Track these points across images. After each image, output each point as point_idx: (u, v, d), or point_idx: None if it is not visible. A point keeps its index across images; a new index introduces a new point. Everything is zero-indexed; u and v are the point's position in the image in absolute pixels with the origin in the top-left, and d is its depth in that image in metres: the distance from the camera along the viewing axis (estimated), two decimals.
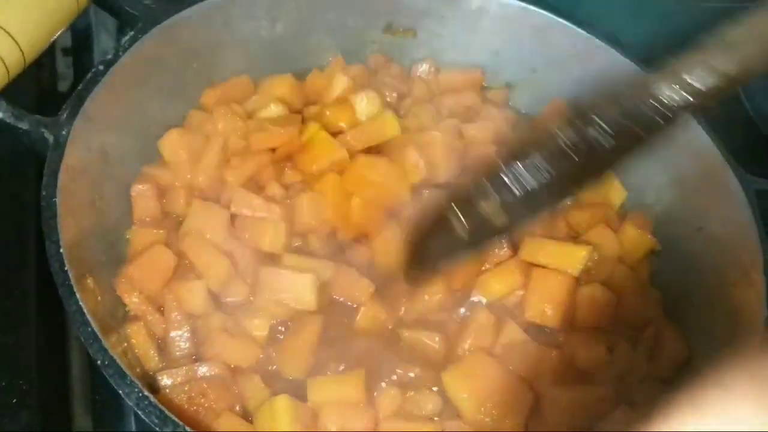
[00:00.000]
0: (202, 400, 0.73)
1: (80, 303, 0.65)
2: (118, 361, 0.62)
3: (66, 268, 0.67)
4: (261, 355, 0.78)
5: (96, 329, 0.64)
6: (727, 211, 0.86)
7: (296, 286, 0.79)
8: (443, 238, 0.68)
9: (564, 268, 0.84)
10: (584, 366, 0.80)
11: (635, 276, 0.89)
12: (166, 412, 0.60)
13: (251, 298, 0.82)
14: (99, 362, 0.62)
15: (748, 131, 1.01)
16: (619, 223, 0.94)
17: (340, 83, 0.97)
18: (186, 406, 0.72)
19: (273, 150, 0.91)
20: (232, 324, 0.79)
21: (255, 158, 0.90)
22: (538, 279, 0.84)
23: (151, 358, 0.77)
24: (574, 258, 0.84)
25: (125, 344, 0.77)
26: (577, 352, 0.80)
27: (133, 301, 0.79)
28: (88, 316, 0.64)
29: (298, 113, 0.97)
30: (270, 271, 0.81)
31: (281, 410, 0.71)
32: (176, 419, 0.60)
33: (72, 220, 0.73)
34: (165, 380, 0.74)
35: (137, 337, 0.77)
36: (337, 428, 0.72)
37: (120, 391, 0.61)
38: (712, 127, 0.90)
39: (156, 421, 0.60)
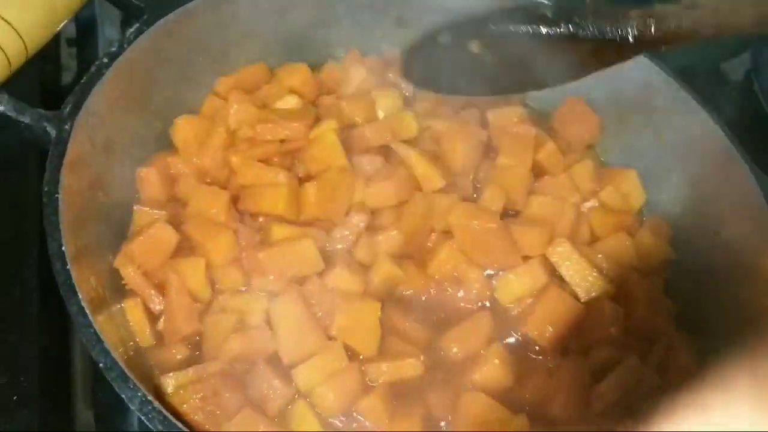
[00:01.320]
0: (217, 399, 0.70)
1: (82, 303, 0.63)
2: (121, 363, 0.61)
3: (68, 267, 0.65)
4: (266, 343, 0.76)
5: (98, 331, 0.62)
6: (745, 213, 0.85)
7: (301, 252, 0.79)
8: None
9: (577, 290, 0.83)
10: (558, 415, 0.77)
11: (649, 285, 0.87)
12: (169, 416, 0.59)
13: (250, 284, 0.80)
14: (101, 365, 0.61)
15: (765, 133, 0.99)
16: (638, 228, 0.92)
17: (357, 75, 0.95)
18: (200, 406, 0.69)
19: (282, 141, 0.89)
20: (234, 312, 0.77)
21: (263, 146, 0.88)
22: (551, 297, 0.81)
23: (145, 336, 0.76)
24: (590, 285, 0.83)
25: (119, 318, 0.76)
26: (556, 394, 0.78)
27: (130, 274, 0.77)
28: (90, 317, 0.63)
29: (313, 104, 0.95)
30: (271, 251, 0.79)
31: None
32: (178, 423, 0.59)
33: (75, 216, 0.71)
34: (171, 382, 0.72)
35: (133, 312, 0.76)
36: (335, 402, 0.71)
37: (123, 395, 0.60)
38: (730, 128, 0.89)
39: (159, 426, 0.58)
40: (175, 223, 0.82)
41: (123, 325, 0.76)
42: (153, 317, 0.78)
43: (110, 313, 0.73)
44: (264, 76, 0.98)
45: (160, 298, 0.78)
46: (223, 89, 0.95)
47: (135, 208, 0.83)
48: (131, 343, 0.76)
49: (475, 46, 0.78)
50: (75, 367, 0.86)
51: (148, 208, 0.83)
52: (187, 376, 0.72)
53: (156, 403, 0.59)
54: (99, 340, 0.62)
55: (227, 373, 0.73)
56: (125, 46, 0.82)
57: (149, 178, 0.85)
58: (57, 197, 0.69)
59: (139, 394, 0.60)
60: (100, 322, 0.64)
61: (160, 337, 0.77)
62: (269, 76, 0.98)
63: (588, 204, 0.92)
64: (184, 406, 0.69)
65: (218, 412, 0.70)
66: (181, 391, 0.70)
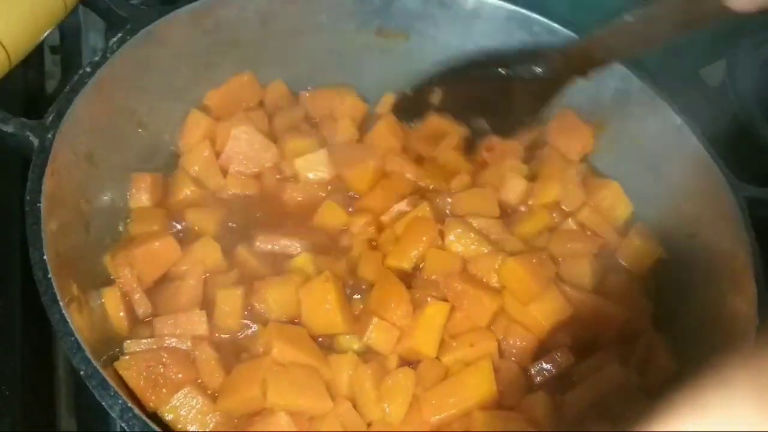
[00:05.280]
0: (164, 371, 0.72)
1: (63, 312, 0.64)
2: (101, 371, 0.61)
3: (49, 276, 0.65)
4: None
5: (79, 339, 0.63)
6: (719, 218, 0.86)
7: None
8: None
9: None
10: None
11: (635, 287, 0.89)
12: (150, 423, 0.60)
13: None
14: (82, 373, 0.61)
15: (740, 138, 1.01)
16: (622, 239, 0.94)
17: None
18: (145, 375, 0.72)
19: None
20: None
21: None
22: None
23: (123, 327, 0.78)
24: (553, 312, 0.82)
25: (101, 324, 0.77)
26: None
27: (126, 276, 0.80)
28: (72, 326, 0.63)
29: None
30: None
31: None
32: (157, 429, 0.60)
33: (57, 225, 0.72)
34: (131, 347, 0.75)
35: (112, 303, 0.78)
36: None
37: (103, 403, 0.60)
38: (706, 133, 0.90)
39: None
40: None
41: (105, 328, 0.77)
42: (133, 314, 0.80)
43: (92, 320, 0.74)
44: (254, 87, 0.99)
45: (147, 300, 0.80)
46: (212, 102, 0.96)
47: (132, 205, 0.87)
48: (117, 349, 0.77)
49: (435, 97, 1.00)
50: (58, 373, 0.87)
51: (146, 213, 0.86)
52: (139, 344, 0.75)
53: (136, 410, 0.60)
54: (80, 349, 0.62)
55: (179, 350, 0.75)
56: (108, 55, 0.82)
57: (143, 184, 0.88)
58: (39, 206, 0.69)
59: (120, 401, 0.60)
60: (81, 329, 0.65)
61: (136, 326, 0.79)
62: (260, 88, 1.00)
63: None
64: (129, 371, 0.71)
65: (162, 382, 0.72)
66: (129, 358, 0.73)
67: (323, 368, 0.75)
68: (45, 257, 0.67)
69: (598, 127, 1.01)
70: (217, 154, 0.93)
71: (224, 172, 0.93)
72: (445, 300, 0.81)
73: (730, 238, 0.84)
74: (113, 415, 0.60)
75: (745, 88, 1.05)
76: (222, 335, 0.79)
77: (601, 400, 0.77)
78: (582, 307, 0.83)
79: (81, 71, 0.80)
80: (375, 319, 0.78)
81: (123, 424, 0.60)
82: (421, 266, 0.86)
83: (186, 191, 0.90)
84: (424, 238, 0.86)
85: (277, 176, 0.95)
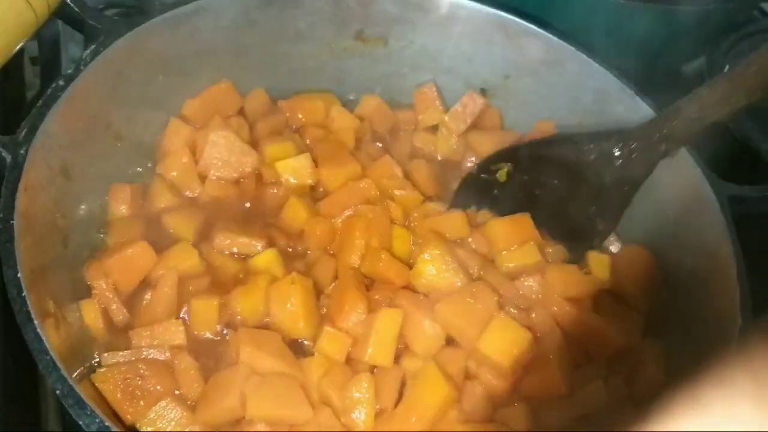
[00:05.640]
0: (142, 384, 0.72)
1: (38, 330, 0.63)
2: (77, 389, 0.60)
3: (23, 294, 0.65)
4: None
5: (55, 357, 0.62)
6: (702, 217, 0.86)
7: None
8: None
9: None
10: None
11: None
12: None
13: None
14: (58, 392, 0.61)
15: (722, 137, 1.01)
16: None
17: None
18: (122, 387, 0.71)
19: None
20: None
21: None
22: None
23: (102, 335, 0.78)
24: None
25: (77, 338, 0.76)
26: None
27: (101, 287, 0.79)
28: (47, 344, 0.62)
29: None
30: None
31: None
32: None
33: (32, 242, 0.71)
34: (108, 360, 0.74)
35: (90, 314, 0.77)
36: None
37: (80, 422, 0.59)
38: None
39: None
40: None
41: (83, 341, 0.77)
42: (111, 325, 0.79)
43: (69, 334, 0.73)
44: (232, 95, 0.98)
45: (125, 310, 0.80)
46: (190, 112, 0.96)
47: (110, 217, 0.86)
48: (96, 361, 0.76)
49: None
50: (45, 387, 0.86)
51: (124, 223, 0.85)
52: (117, 356, 0.74)
53: (114, 429, 0.59)
54: (56, 368, 0.61)
55: (157, 361, 0.74)
56: (82, 67, 0.82)
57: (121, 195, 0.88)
58: (12, 224, 0.68)
59: (97, 420, 0.59)
60: (57, 346, 0.64)
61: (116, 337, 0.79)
62: (238, 96, 0.99)
63: None
64: (106, 384, 0.71)
65: (139, 394, 0.71)
66: (106, 371, 0.72)
67: (296, 373, 0.75)
68: (19, 275, 0.66)
69: (579, 128, 1.00)
70: (196, 162, 0.93)
71: (203, 179, 0.92)
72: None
73: (713, 237, 0.84)
74: None
75: None
76: (200, 344, 0.79)
77: (586, 415, 0.77)
78: (572, 326, 0.82)
79: (54, 84, 0.79)
80: (326, 328, 0.77)
81: None
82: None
83: (164, 198, 0.89)
84: (373, 239, 0.84)
85: (257, 182, 0.94)
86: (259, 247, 0.86)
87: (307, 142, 1.00)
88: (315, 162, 0.94)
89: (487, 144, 1.00)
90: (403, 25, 1.02)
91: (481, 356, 0.77)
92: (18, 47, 0.83)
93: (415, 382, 0.75)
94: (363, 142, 1.01)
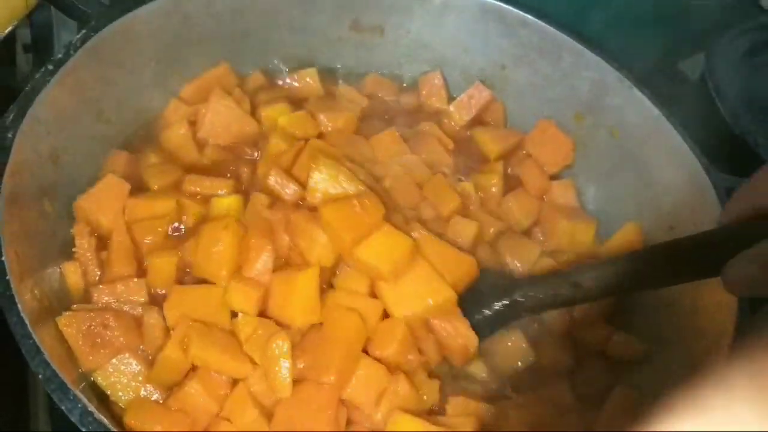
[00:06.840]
0: (105, 333, 0.70)
1: (21, 314, 0.62)
2: (61, 375, 0.59)
3: (7, 277, 0.64)
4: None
5: (38, 341, 0.61)
6: (699, 209, 0.85)
7: None
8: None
9: None
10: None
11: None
12: (110, 426, 0.58)
13: None
14: (41, 376, 0.60)
15: (720, 131, 1.00)
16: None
17: None
18: (85, 333, 0.70)
19: None
20: None
21: None
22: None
23: (79, 293, 0.77)
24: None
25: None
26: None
27: (83, 245, 0.79)
28: (30, 328, 0.61)
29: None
30: None
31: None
32: None
33: (18, 226, 0.70)
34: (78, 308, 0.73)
35: (71, 276, 0.77)
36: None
37: (63, 407, 0.59)
38: (684, 127, 0.89)
39: None
40: None
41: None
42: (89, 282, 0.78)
43: (54, 322, 0.72)
44: (230, 77, 0.97)
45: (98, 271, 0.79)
46: (188, 94, 0.95)
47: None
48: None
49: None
50: (35, 387, 0.86)
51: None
52: (84, 306, 0.73)
53: (96, 414, 0.58)
54: (38, 352, 0.60)
55: (126, 314, 0.74)
56: (72, 52, 0.81)
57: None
58: None
59: (80, 405, 0.58)
60: (41, 332, 0.63)
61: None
62: (236, 77, 0.98)
63: None
64: (69, 328, 0.70)
65: (100, 342, 0.70)
66: (71, 314, 0.71)
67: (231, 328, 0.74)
68: (3, 258, 0.65)
69: (575, 119, 1.00)
70: (196, 132, 0.92)
71: (201, 148, 0.91)
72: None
73: (709, 228, 0.83)
74: (73, 419, 0.58)
75: (724, 81, 1.04)
76: (158, 301, 0.77)
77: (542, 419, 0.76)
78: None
79: (43, 69, 0.78)
80: (232, 283, 0.74)
81: (83, 429, 0.58)
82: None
83: (154, 159, 0.89)
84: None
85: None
86: (224, 191, 0.85)
87: (312, 109, 0.97)
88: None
89: (490, 144, 0.99)
90: (399, 14, 1.01)
91: (356, 262, 0.76)
92: (8, 30, 0.82)
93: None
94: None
